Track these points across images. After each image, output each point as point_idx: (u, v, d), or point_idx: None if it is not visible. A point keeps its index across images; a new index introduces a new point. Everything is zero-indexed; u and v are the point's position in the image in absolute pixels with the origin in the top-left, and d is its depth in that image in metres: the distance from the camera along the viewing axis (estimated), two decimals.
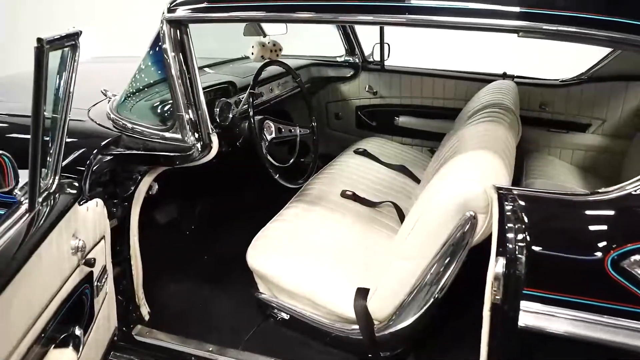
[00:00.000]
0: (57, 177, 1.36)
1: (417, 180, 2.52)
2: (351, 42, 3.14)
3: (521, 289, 1.16)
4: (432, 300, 1.47)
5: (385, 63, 3.14)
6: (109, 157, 1.70)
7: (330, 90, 3.27)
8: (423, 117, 3.09)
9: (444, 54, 3.89)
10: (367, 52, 3.19)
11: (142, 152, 1.70)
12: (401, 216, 2.15)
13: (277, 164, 1.91)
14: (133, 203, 1.76)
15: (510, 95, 2.34)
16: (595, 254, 1.12)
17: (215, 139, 1.67)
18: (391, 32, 3.18)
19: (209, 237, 2.58)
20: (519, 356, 1.24)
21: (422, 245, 1.44)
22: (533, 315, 1.16)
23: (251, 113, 1.85)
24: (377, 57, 3.16)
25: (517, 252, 1.17)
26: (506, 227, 1.21)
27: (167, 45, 1.60)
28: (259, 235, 1.89)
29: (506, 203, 1.26)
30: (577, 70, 2.74)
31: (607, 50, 2.58)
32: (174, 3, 1.58)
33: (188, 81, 1.61)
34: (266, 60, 2.09)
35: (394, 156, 2.77)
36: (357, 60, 3.18)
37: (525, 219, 1.19)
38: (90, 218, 1.51)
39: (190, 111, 1.62)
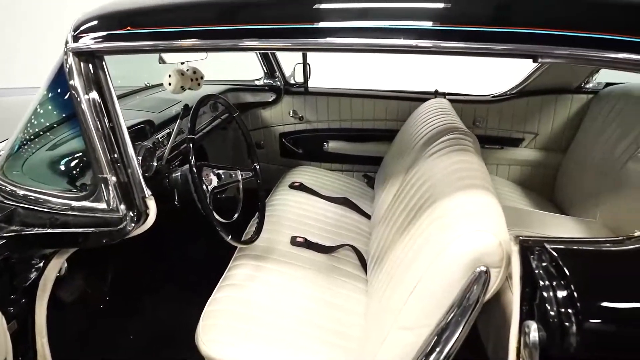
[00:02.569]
0: None
1: (365, 214, 2.30)
2: (271, 64, 2.86)
3: None
4: None
5: (309, 85, 2.90)
6: None
7: (250, 117, 2.96)
8: (354, 140, 2.89)
9: (368, 72, 3.75)
10: (287, 74, 2.93)
11: (50, 231, 1.27)
12: (361, 260, 1.91)
13: (224, 221, 1.57)
14: (38, 296, 1.31)
15: (453, 114, 2.21)
16: None
17: (152, 204, 1.29)
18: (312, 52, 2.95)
19: (132, 309, 2.13)
20: None
21: (425, 311, 1.20)
22: None
23: (193, 162, 1.49)
24: (299, 79, 2.91)
25: (560, 318, 0.97)
26: (540, 285, 1.00)
27: (77, 84, 1.20)
28: (207, 312, 1.52)
29: (532, 257, 1.06)
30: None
31: (534, 65, 2.57)
32: (81, 29, 1.20)
33: (111, 131, 1.22)
34: (204, 96, 1.73)
35: (331, 187, 2.53)
36: (278, 83, 2.90)
37: (564, 277, 0.99)
38: None
39: (117, 171, 1.24)
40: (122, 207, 1.26)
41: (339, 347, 1.45)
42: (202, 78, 2.04)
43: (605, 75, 2.60)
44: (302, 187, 2.40)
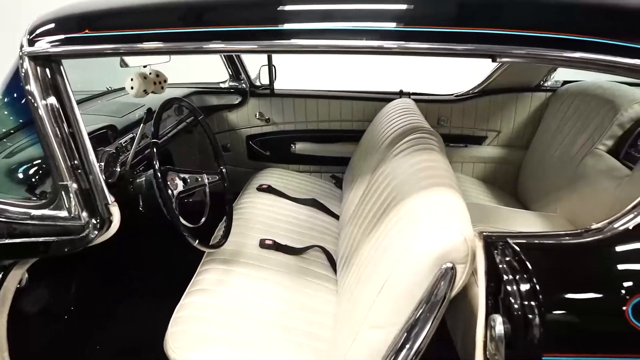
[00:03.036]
0: None
1: (333, 215, 2.30)
2: (236, 66, 2.83)
3: (539, 354, 0.98)
4: None
5: (275, 86, 2.89)
6: None
7: (215, 120, 2.93)
8: (321, 142, 2.90)
9: (333, 74, 3.76)
10: (253, 76, 2.91)
11: (8, 242, 1.23)
12: (330, 260, 1.91)
13: (191, 226, 1.55)
14: None
15: (418, 114, 2.24)
16: (614, 303, 0.98)
17: (116, 211, 1.26)
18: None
19: (98, 319, 2.08)
20: None
21: (394, 310, 1.21)
22: None
23: (157, 166, 1.46)
24: (265, 81, 2.89)
25: (524, 311, 0.99)
26: (504, 279, 1.03)
27: (34, 89, 1.17)
28: (176, 318, 1.50)
29: (496, 252, 1.08)
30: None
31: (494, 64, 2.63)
32: (38, 32, 1.16)
33: (70, 137, 1.19)
34: (167, 99, 1.70)
35: (299, 188, 2.53)
36: (244, 86, 2.88)
37: (527, 271, 1.02)
38: None
39: (78, 178, 1.20)
40: (84, 214, 1.23)
41: (310, 348, 1.45)
42: (165, 81, 2.01)
43: (562, 74, 2.69)
44: (270, 190, 2.39)
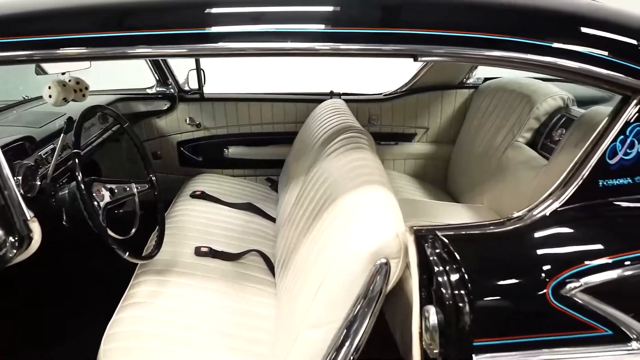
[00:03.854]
0: None
1: (270, 218, 2.29)
2: (162, 71, 2.76)
3: (471, 341, 1.02)
4: None
5: (204, 91, 2.84)
6: None
7: (144, 127, 2.84)
8: (254, 145, 2.88)
9: (263, 76, 3.74)
10: (181, 80, 2.84)
11: None
12: (269, 264, 1.90)
13: (120, 238, 1.48)
14: None
15: (349, 114, 2.28)
16: (536, 286, 1.04)
17: (36, 227, 1.19)
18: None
19: (24, 339, 1.95)
20: None
21: (332, 308, 1.22)
22: None
23: (80, 178, 1.39)
24: (193, 85, 2.84)
25: (455, 300, 1.03)
26: (435, 270, 1.06)
27: None
28: (108, 335, 1.44)
29: (426, 245, 1.12)
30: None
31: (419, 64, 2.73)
32: None
33: None
34: (88, 107, 1.61)
35: (234, 193, 2.50)
36: (172, 91, 2.81)
37: (455, 261, 1.06)
38: None
39: None
40: (0, 232, 1.15)
41: (250, 353, 1.43)
42: (87, 89, 1.93)
43: (484, 71, 2.82)
44: (203, 196, 2.35)
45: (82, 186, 1.40)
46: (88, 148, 2.15)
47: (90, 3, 1.18)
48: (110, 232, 1.45)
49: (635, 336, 1.08)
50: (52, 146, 1.84)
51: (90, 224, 1.42)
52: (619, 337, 1.08)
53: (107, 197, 1.53)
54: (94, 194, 1.48)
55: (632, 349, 1.09)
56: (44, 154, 1.74)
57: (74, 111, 2.02)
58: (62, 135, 1.66)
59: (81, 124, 1.51)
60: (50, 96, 1.74)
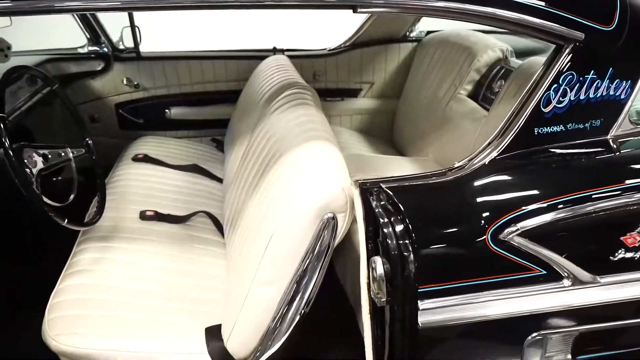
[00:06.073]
0: None
1: (217, 179, 2.26)
2: (94, 29, 2.59)
3: (416, 288, 1.06)
4: (298, 317, 1.28)
5: (140, 49, 2.70)
6: None
7: (77, 89, 2.68)
8: (197, 105, 2.79)
9: (202, 33, 3.59)
10: (115, 39, 2.69)
11: None
12: (217, 225, 1.89)
13: (58, 205, 1.42)
14: None
15: (293, 70, 2.24)
16: (476, 232, 1.09)
17: None
18: (139, 13, 2.73)
19: None
20: (418, 355, 1.16)
21: (282, 264, 1.24)
22: (432, 311, 1.08)
23: (7, 144, 1.30)
24: (128, 44, 2.69)
25: (400, 249, 1.06)
26: (380, 222, 1.09)
27: None
28: (52, 305, 1.39)
29: (371, 198, 1.14)
30: None
31: (361, 17, 2.70)
32: None
33: None
34: (10, 68, 1.50)
35: (178, 155, 2.43)
36: (105, 50, 2.65)
37: (399, 212, 1.08)
38: None
39: None
40: None
41: (202, 314, 1.43)
42: (8, 48, 1.80)
43: (426, 24, 2.82)
44: (146, 159, 2.27)
45: (11, 152, 1.31)
46: (17, 113, 2.01)
47: None
48: (46, 200, 1.38)
49: (566, 274, 1.15)
50: None
51: (22, 192, 1.35)
52: (553, 276, 1.15)
53: (40, 163, 1.45)
54: (25, 161, 1.40)
55: (564, 287, 1.16)
56: None
57: None
58: None
59: (4, 86, 1.41)
60: None
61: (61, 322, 1.34)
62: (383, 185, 1.13)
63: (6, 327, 1.82)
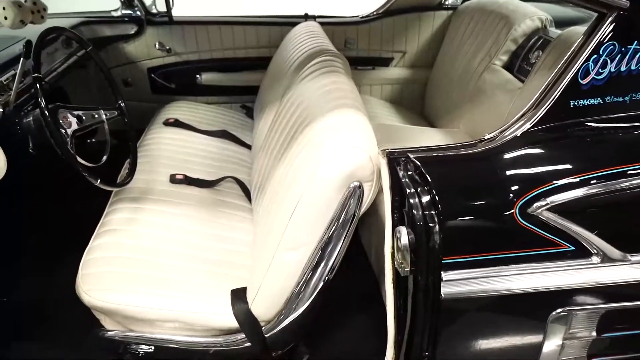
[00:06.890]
0: None
1: (245, 145, 2.27)
2: None
3: (440, 259, 1.06)
4: (322, 284, 1.30)
5: (173, 13, 2.70)
6: None
7: (111, 52, 2.71)
8: (228, 71, 2.79)
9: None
10: (148, 2, 2.69)
11: None
12: (245, 190, 1.91)
13: (91, 165, 1.46)
14: None
15: (324, 37, 2.21)
16: (504, 205, 1.07)
17: (1, 156, 1.16)
18: None
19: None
20: (439, 325, 1.16)
21: (307, 231, 1.25)
22: (455, 283, 1.08)
23: (43, 104, 1.33)
24: (161, 8, 2.69)
25: (426, 220, 1.05)
26: (407, 192, 1.08)
27: None
28: (86, 261, 1.45)
29: (398, 168, 1.13)
30: None
31: None
32: None
33: None
34: (46, 29, 1.53)
35: (208, 120, 2.45)
36: (138, 13, 2.66)
37: (426, 183, 1.07)
38: None
39: None
40: None
41: (229, 276, 1.47)
42: (45, 9, 1.81)
43: None
44: (177, 123, 2.30)
45: (47, 112, 1.35)
46: (53, 74, 2.05)
47: None
48: (80, 160, 1.42)
49: (595, 251, 1.13)
50: (13, 72, 1.76)
51: (57, 151, 1.39)
52: (581, 253, 1.13)
53: (74, 124, 1.48)
54: (60, 121, 1.43)
55: (593, 263, 1.14)
56: (5, 80, 1.66)
57: (34, 35, 1.93)
58: (22, 60, 1.58)
59: (40, 47, 1.44)
60: (5, 18, 1.63)
61: (94, 279, 1.39)
62: (411, 156, 1.12)
63: (43, 277, 1.90)
